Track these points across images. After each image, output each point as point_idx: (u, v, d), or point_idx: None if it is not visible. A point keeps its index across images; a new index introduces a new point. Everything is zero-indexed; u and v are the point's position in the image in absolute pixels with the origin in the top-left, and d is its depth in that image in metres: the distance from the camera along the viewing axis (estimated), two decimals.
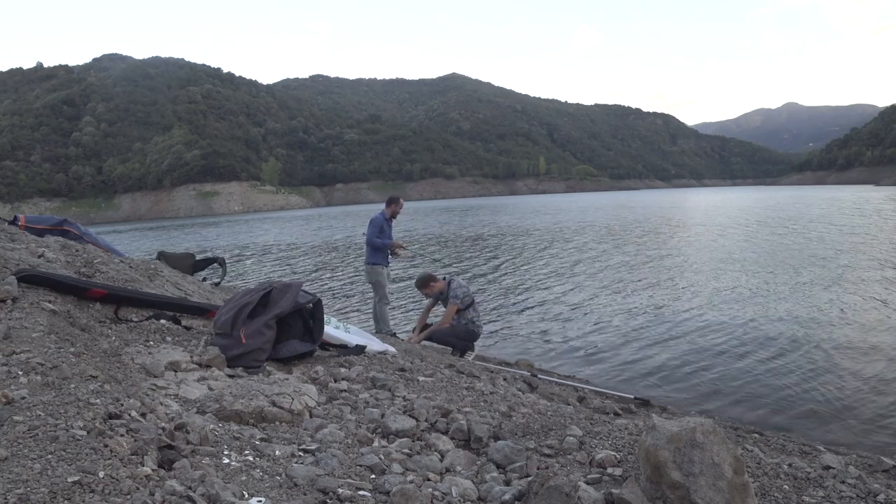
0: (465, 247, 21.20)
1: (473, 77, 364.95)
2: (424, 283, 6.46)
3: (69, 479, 1.35)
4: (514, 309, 9.60)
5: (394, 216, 7.51)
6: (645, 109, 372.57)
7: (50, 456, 1.46)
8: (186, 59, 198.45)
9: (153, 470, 1.55)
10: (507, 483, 1.89)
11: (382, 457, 2.01)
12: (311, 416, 2.43)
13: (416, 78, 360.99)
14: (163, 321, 3.43)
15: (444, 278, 6.45)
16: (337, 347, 3.75)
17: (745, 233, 21.65)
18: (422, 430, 2.39)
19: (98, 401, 1.84)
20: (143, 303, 3.56)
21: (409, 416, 2.49)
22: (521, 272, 13.90)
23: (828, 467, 2.27)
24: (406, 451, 2.13)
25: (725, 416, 4.80)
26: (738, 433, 3.68)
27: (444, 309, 6.44)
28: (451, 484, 1.82)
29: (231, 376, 2.81)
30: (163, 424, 1.88)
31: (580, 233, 24.79)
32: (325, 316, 3.62)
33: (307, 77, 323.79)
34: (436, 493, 1.74)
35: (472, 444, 2.30)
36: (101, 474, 1.41)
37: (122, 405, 1.88)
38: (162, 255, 7.52)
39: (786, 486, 1.94)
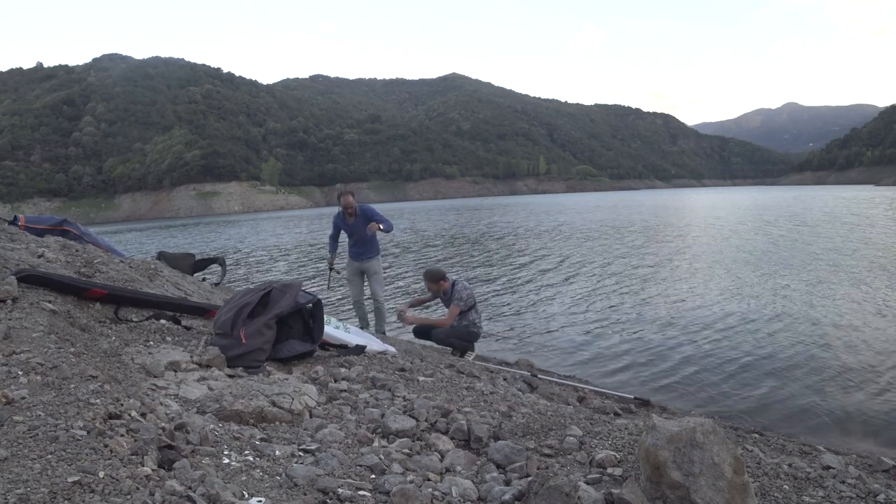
0: (465, 245, 21.21)
1: (473, 77, 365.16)
2: (435, 278, 6.25)
3: (69, 479, 1.35)
4: (514, 309, 9.60)
5: (347, 212, 7.16)
6: (645, 109, 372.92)
7: (50, 456, 1.46)
8: (186, 59, 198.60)
9: (153, 470, 1.55)
10: (507, 483, 1.89)
11: (382, 457, 2.01)
12: (311, 416, 2.43)
13: (416, 78, 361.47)
14: (163, 321, 3.43)
15: (448, 279, 6.39)
16: (337, 347, 3.75)
17: (749, 233, 21.65)
18: (422, 430, 2.39)
19: (98, 401, 1.84)
20: (143, 303, 3.56)
21: (409, 416, 2.49)
22: (522, 272, 13.90)
23: (828, 467, 2.27)
24: (406, 451, 2.14)
25: (725, 416, 4.79)
26: (738, 433, 3.68)
27: (442, 306, 6.42)
28: (451, 484, 1.82)
29: (231, 376, 2.81)
30: (163, 424, 1.88)
31: (582, 232, 24.80)
32: (324, 316, 3.63)
33: (307, 77, 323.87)
34: (436, 493, 1.74)
35: (472, 444, 2.30)
36: (101, 474, 1.41)
37: (122, 405, 1.88)
38: (162, 255, 7.51)
39: (786, 486, 1.94)
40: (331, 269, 7.71)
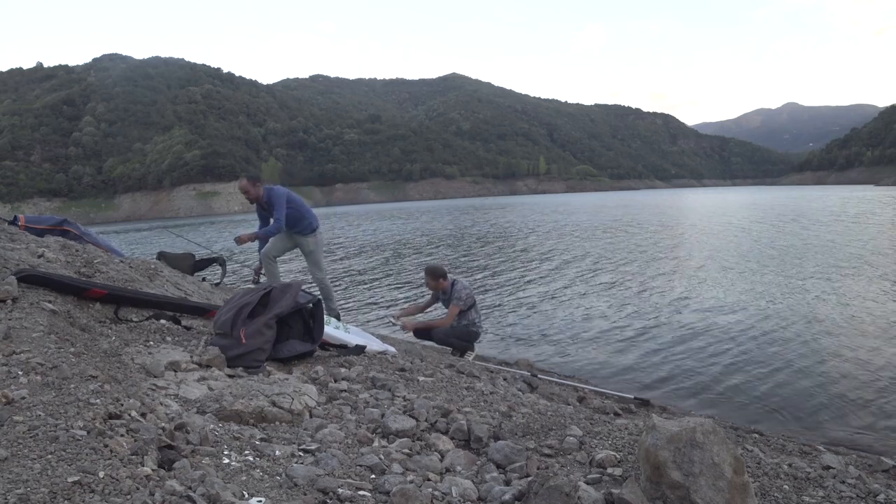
0: (466, 245, 21.20)
1: (473, 77, 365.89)
2: (435, 275, 6.14)
3: (69, 479, 1.35)
4: (514, 308, 9.60)
5: (247, 198, 6.44)
6: (645, 109, 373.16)
7: (50, 456, 1.46)
8: (186, 59, 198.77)
9: (153, 470, 1.55)
10: (507, 483, 1.89)
11: (382, 457, 2.01)
12: (311, 416, 2.43)
13: (416, 78, 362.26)
14: (163, 321, 3.43)
15: (448, 278, 6.34)
16: (337, 347, 3.75)
17: (749, 232, 21.65)
18: (422, 430, 2.39)
19: (98, 401, 1.84)
20: (143, 303, 3.56)
21: (409, 416, 2.49)
22: (523, 271, 13.90)
23: (828, 467, 2.27)
24: (406, 451, 2.13)
25: (725, 416, 4.79)
26: (738, 433, 3.68)
27: (440, 306, 6.40)
28: (451, 484, 1.82)
29: (231, 376, 2.81)
30: (163, 424, 1.87)
31: (582, 232, 24.79)
32: (324, 316, 3.63)
33: (307, 77, 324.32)
34: (436, 493, 1.74)
35: (472, 444, 2.30)
36: (101, 474, 1.41)
37: (122, 405, 1.88)
38: (162, 255, 7.52)
39: (786, 486, 1.94)
40: (256, 280, 6.69)
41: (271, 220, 6.41)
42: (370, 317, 9.27)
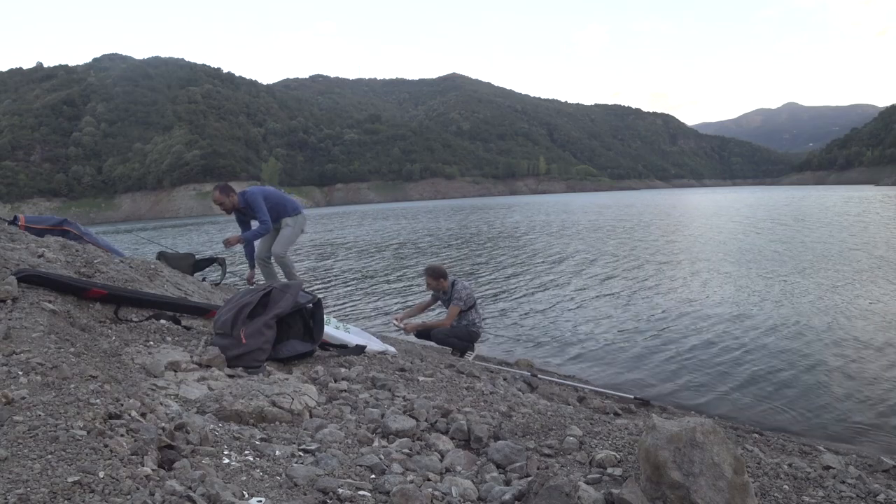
0: (466, 244, 21.20)
1: (473, 77, 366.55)
2: (436, 275, 6.13)
3: (69, 479, 1.35)
4: (514, 308, 9.60)
5: (226, 210, 6.32)
6: (645, 109, 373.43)
7: (50, 456, 1.45)
8: (186, 59, 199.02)
9: (153, 470, 1.55)
10: (507, 483, 1.89)
11: (382, 457, 2.01)
12: (311, 416, 2.43)
13: (416, 78, 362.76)
14: (163, 321, 3.43)
15: (449, 278, 6.32)
16: (337, 347, 3.75)
17: (750, 233, 21.63)
18: (422, 430, 2.39)
19: (98, 401, 1.84)
20: (143, 303, 3.56)
21: (409, 416, 2.49)
22: (523, 271, 13.90)
23: (828, 467, 2.27)
24: (406, 451, 2.13)
25: (725, 416, 4.80)
26: (738, 433, 3.68)
27: (441, 307, 6.40)
28: (451, 484, 1.82)
29: (231, 376, 2.81)
30: (163, 424, 1.87)
31: (582, 232, 24.79)
32: (324, 316, 3.63)
33: (307, 77, 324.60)
34: (436, 493, 1.74)
35: (472, 444, 2.30)
36: (101, 474, 1.41)
37: (122, 405, 1.88)
38: (162, 255, 7.52)
39: (786, 486, 1.94)
40: (250, 284, 6.67)
41: (252, 223, 6.38)
42: (376, 320, 9.26)
